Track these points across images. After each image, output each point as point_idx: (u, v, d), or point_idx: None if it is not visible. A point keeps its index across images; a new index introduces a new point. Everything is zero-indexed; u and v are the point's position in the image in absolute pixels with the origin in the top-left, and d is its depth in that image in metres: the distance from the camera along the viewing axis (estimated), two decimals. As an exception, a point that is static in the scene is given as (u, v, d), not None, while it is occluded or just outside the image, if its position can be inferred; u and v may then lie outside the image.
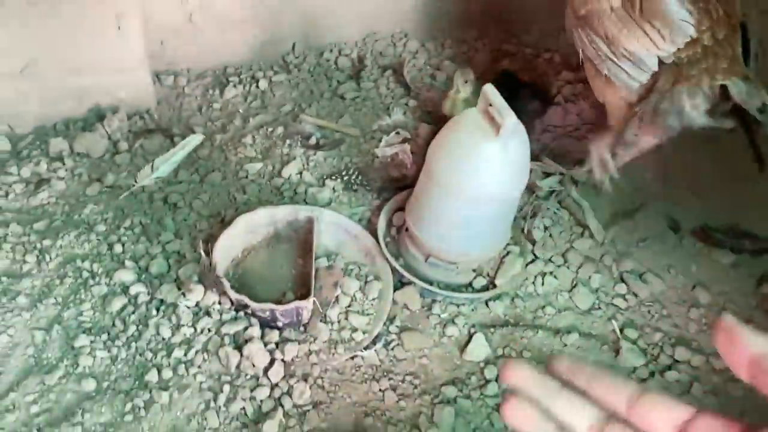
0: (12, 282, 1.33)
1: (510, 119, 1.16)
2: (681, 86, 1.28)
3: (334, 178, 1.61)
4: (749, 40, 1.33)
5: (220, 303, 1.25)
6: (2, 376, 1.18)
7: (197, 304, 1.25)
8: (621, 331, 1.36)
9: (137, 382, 1.17)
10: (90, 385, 1.17)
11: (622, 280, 1.45)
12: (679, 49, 1.28)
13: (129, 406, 1.13)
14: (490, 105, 1.20)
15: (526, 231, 1.50)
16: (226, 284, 1.22)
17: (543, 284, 1.43)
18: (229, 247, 1.32)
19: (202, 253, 1.29)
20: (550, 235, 1.51)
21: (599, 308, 1.40)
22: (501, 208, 1.29)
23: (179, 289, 1.28)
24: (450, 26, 2.16)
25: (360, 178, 1.62)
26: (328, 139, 1.73)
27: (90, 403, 1.14)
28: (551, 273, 1.44)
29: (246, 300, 1.20)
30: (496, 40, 2.16)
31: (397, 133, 1.73)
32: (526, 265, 1.45)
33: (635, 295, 1.43)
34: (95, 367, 1.19)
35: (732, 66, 1.28)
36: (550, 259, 1.47)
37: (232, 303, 1.25)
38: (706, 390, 1.29)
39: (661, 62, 1.30)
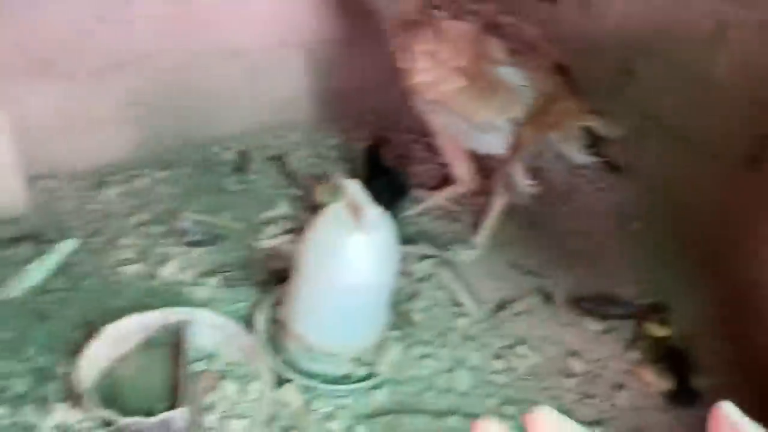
0: None
1: (371, 212, 1.21)
2: (547, 135, 1.50)
3: (213, 275, 1.60)
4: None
5: (85, 421, 1.19)
6: None
7: (60, 425, 1.19)
8: (499, 408, 1.39)
9: None
10: None
11: (500, 357, 1.49)
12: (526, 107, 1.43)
13: None
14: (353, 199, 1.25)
15: (404, 313, 1.53)
16: (90, 400, 1.17)
17: (424, 368, 1.45)
18: (96, 358, 1.27)
19: (66, 369, 1.23)
20: (430, 317, 1.55)
21: (478, 387, 1.43)
22: (373, 296, 1.32)
23: (43, 408, 1.21)
24: (334, 116, 2.24)
25: (241, 272, 1.61)
26: (209, 235, 1.73)
27: None
28: (431, 355, 1.47)
29: (111, 416, 1.15)
30: (377, 128, 2.25)
31: (281, 224, 1.75)
32: (406, 349, 1.47)
33: (513, 369, 1.47)
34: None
35: (580, 106, 1.48)
36: (429, 341, 1.50)
37: (103, 420, 1.20)
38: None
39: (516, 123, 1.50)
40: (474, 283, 1.65)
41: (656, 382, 1.45)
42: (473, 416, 1.38)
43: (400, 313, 1.53)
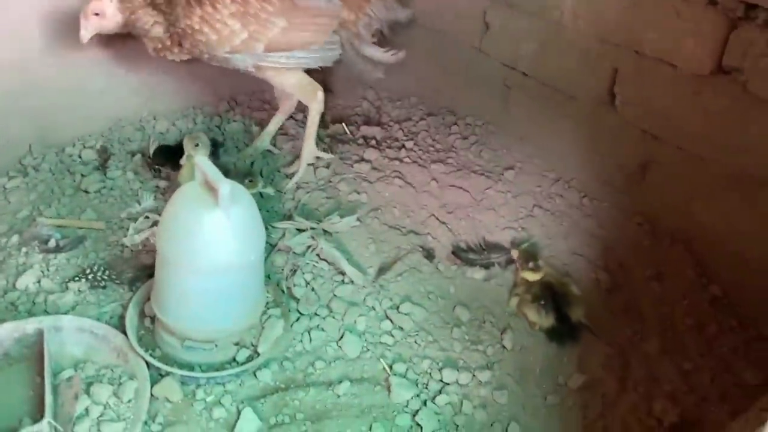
0: None
1: (225, 187, 1.15)
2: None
3: (78, 279, 1.49)
4: None
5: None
6: None
7: None
8: (390, 367, 1.38)
9: None
10: None
11: (387, 318, 1.49)
12: None
13: None
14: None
15: (287, 290, 1.50)
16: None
17: (311, 340, 1.42)
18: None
19: None
20: (313, 289, 1.51)
21: (368, 350, 1.42)
22: (243, 275, 1.27)
23: None
24: (201, 101, 2.15)
25: (108, 273, 1.52)
26: (69, 239, 1.61)
27: None
28: (318, 327, 1.44)
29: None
30: (247, 110, 2.19)
31: (146, 217, 1.66)
32: (291, 324, 1.43)
33: (401, 328, 1.47)
34: None
35: None
36: (315, 313, 1.47)
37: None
38: (476, 405, 1.34)
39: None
40: (354, 249, 1.63)
41: (538, 320, 1.49)
42: (365, 380, 1.36)
43: (282, 290, 1.49)
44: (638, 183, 1.77)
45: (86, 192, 1.78)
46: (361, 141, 2.03)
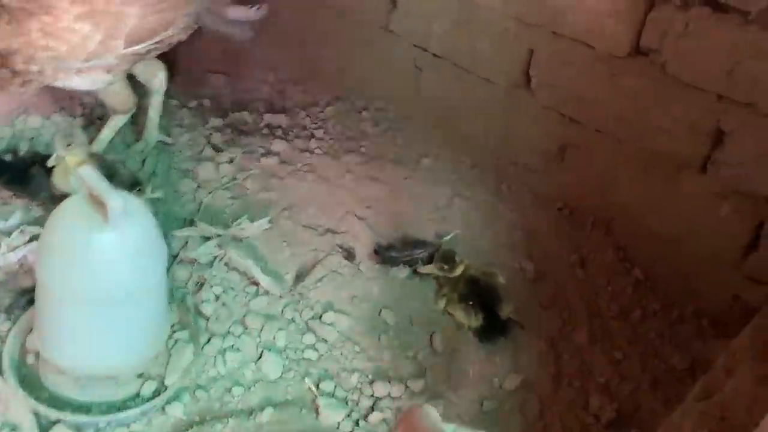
0: None
1: (116, 201, 0.98)
2: None
3: (-62, 312, 1.26)
4: None
5: None
6: None
7: None
8: (317, 387, 1.26)
9: None
10: None
11: (309, 329, 1.36)
12: None
13: None
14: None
15: (193, 308, 1.33)
16: None
17: (225, 363, 1.27)
18: None
19: None
20: (224, 304, 1.36)
21: (290, 369, 1.29)
22: (143, 303, 1.09)
23: None
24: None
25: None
26: (-73, 263, 1.36)
27: None
28: (232, 347, 1.30)
29: None
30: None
31: (21, 231, 1.43)
32: (202, 347, 1.28)
33: (324, 341, 1.35)
34: None
35: None
36: (228, 332, 1.32)
37: None
38: (411, 418, 1.25)
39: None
40: (268, 255, 1.48)
41: (467, 321, 1.42)
42: (290, 404, 1.24)
43: (187, 309, 1.33)
44: (557, 167, 1.73)
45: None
46: (266, 131, 1.86)
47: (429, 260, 1.54)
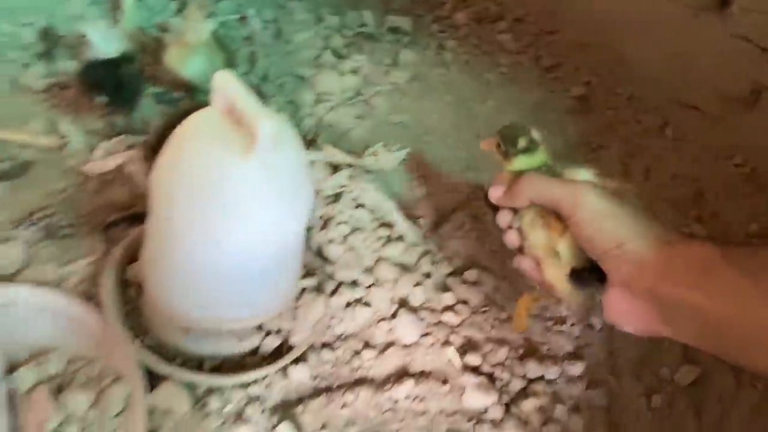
0: None
1: (267, 125, 0.74)
2: None
3: (25, 224, 1.07)
4: None
5: None
6: None
7: None
8: (459, 358, 1.06)
9: None
10: None
11: (448, 288, 1.14)
12: None
13: None
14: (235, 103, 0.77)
15: (316, 251, 1.12)
16: None
17: (354, 319, 1.07)
18: None
19: None
20: (352, 248, 1.14)
21: (428, 334, 1.08)
22: (282, 250, 0.88)
23: None
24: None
25: (68, 215, 1.10)
26: (12, 162, 1.17)
27: None
28: (362, 300, 1.09)
29: None
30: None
31: (121, 138, 1.22)
32: (329, 297, 1.07)
33: (465, 302, 1.13)
34: None
35: None
36: (356, 281, 1.11)
37: None
38: (571, 407, 1.04)
39: None
40: (404, 193, 1.25)
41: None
42: (429, 377, 1.04)
43: (314, 251, 1.12)
44: (742, 114, 1.43)
45: (29, 92, 1.30)
46: (390, 36, 1.58)
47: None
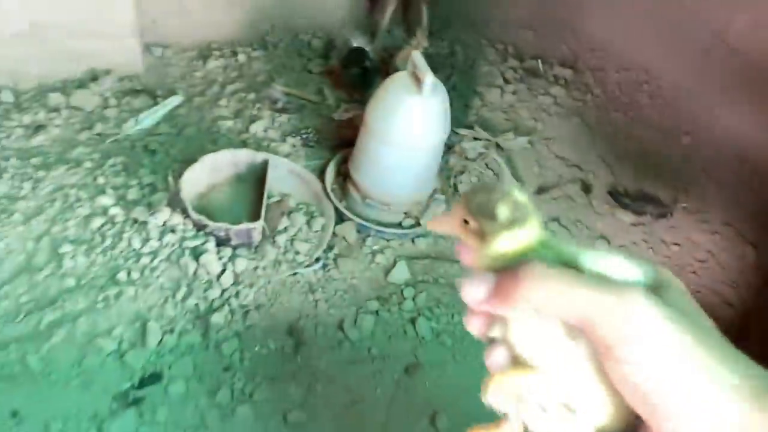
0: (9, 203, 1.56)
1: (430, 78, 1.41)
2: None
3: (294, 136, 1.85)
4: None
5: (183, 223, 1.49)
6: (-2, 275, 1.41)
7: (164, 224, 1.49)
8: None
9: (109, 281, 1.41)
10: (70, 282, 1.40)
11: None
12: None
13: (102, 296, 1.37)
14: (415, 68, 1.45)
15: (453, 185, 1.75)
16: (188, 204, 1.46)
17: (464, 228, 1.66)
18: (194, 180, 1.56)
19: (171, 180, 1.53)
20: (475, 189, 1.76)
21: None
22: (425, 155, 1.53)
23: (150, 211, 1.52)
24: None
25: (317, 137, 1.86)
26: (293, 104, 1.98)
27: (69, 294, 1.37)
28: (472, 219, 1.69)
29: (204, 220, 1.44)
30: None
31: (355, 102, 1.98)
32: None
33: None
34: (76, 268, 1.43)
35: None
36: (473, 209, 1.71)
37: (193, 224, 1.49)
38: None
39: None
40: (520, 167, 1.83)
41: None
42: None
43: (450, 184, 1.74)
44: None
45: (310, 72, 2.14)
46: (551, 78, 2.19)
47: (657, 217, 1.75)
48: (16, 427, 1.18)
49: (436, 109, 1.47)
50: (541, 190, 1.79)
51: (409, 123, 1.46)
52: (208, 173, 1.60)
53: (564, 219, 1.72)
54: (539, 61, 2.26)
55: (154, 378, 1.27)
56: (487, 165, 1.81)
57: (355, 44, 2.04)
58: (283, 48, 2.23)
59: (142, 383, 1.26)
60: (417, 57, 1.46)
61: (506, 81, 2.12)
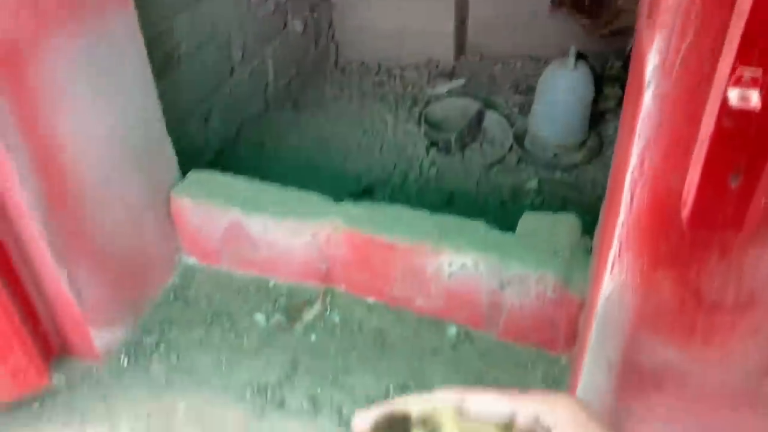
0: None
1: (578, 63, 2.32)
2: None
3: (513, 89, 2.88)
4: None
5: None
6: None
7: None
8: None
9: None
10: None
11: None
12: None
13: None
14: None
15: (598, 135, 2.54)
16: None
17: (606, 167, 2.46)
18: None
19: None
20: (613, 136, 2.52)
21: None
22: (572, 107, 2.42)
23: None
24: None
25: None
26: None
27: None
28: (610, 157, 2.47)
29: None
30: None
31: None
32: (597, 155, 2.50)
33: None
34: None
35: None
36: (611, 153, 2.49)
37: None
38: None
39: None
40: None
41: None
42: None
43: (594, 132, 2.55)
44: None
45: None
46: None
47: None
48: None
49: (579, 78, 2.36)
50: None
51: (572, 90, 2.40)
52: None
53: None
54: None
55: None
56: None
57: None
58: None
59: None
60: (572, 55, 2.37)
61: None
